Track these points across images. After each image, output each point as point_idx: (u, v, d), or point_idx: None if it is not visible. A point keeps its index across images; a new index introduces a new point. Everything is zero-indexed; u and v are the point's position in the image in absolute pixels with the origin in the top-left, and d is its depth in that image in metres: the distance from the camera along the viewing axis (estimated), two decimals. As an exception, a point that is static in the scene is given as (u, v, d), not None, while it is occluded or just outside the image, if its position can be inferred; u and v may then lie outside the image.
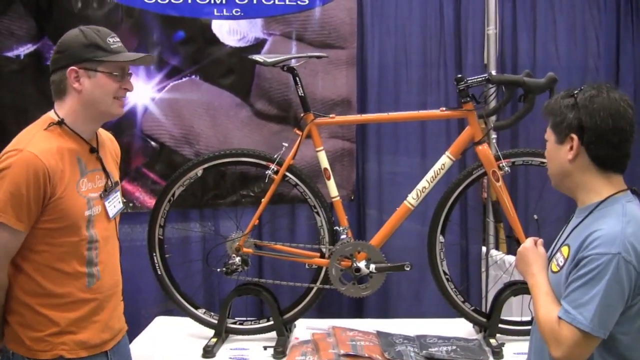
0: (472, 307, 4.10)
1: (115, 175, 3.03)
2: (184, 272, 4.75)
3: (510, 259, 4.76)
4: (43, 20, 4.93)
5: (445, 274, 4.05)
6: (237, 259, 4.03)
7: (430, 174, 3.94)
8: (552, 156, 2.50)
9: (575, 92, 2.42)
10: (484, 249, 5.38)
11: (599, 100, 2.35)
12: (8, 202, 2.58)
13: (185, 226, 5.28)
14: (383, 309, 5.43)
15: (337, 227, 4.05)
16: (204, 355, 3.88)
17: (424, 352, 3.75)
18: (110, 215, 2.90)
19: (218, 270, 4.08)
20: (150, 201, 5.07)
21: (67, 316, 2.75)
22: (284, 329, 4.08)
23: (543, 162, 3.81)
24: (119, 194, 3.00)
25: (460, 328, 4.20)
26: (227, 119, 5.23)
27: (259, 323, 4.19)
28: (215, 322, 4.13)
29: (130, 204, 5.05)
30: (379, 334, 4.01)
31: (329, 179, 4.03)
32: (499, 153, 3.89)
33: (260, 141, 5.20)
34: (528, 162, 3.95)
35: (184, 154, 5.18)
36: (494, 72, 4.89)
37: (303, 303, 4.14)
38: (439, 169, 3.93)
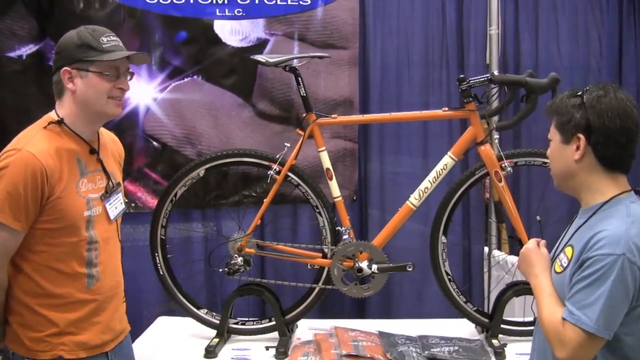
0: (475, 308, 4.09)
1: (117, 176, 3.02)
2: (186, 272, 4.75)
3: (513, 259, 4.76)
4: (45, 20, 4.94)
5: (447, 274, 4.05)
6: (239, 259, 4.02)
7: (432, 174, 3.94)
8: (557, 156, 2.49)
9: (581, 92, 2.41)
10: (486, 249, 5.38)
11: (606, 101, 2.35)
12: (5, 201, 2.59)
13: (187, 226, 5.29)
14: (385, 309, 5.43)
15: (339, 228, 4.05)
16: (206, 356, 3.88)
17: (426, 352, 3.75)
18: (111, 217, 2.89)
19: (220, 270, 4.08)
20: (152, 201, 5.07)
21: (67, 317, 2.75)
22: (286, 329, 4.07)
23: (545, 163, 3.80)
24: (120, 195, 2.98)
25: (463, 328, 4.19)
26: (229, 119, 5.23)
27: (261, 323, 4.19)
28: (217, 322, 4.12)
29: (133, 204, 5.05)
30: (381, 334, 4.01)
31: (331, 179, 4.02)
32: (502, 153, 3.88)
33: (263, 141, 5.20)
34: (530, 162, 3.94)
35: (186, 154, 5.19)
36: (496, 72, 4.87)
37: (305, 303, 4.13)
38: (441, 169, 3.92)
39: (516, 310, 4.34)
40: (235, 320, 4.19)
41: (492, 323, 4.02)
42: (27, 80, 4.93)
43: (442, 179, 3.94)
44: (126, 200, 3.10)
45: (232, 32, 5.19)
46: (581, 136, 2.37)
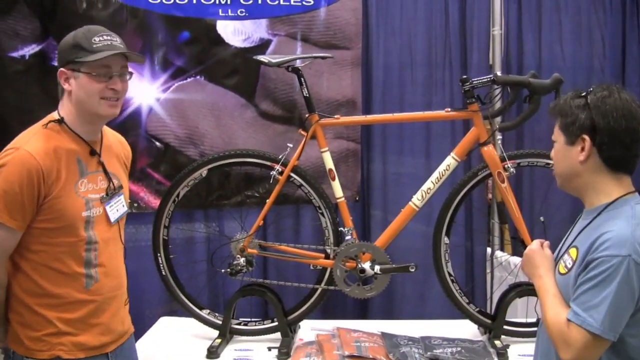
0: (477, 309, 4.08)
1: (121, 178, 3.01)
2: (188, 272, 4.75)
3: (515, 260, 4.76)
4: (48, 20, 4.93)
5: (450, 275, 4.04)
6: (242, 260, 4.02)
7: (435, 175, 3.93)
8: (561, 157, 2.48)
9: (585, 93, 2.41)
10: (488, 250, 5.38)
11: (611, 101, 2.34)
12: (1, 199, 2.61)
13: (189, 227, 5.28)
14: (388, 310, 5.43)
15: (342, 228, 4.04)
16: (208, 356, 3.87)
17: (429, 353, 3.74)
18: (112, 219, 2.88)
19: (222, 270, 4.08)
20: (154, 201, 5.07)
21: (65, 317, 2.75)
22: (289, 330, 4.07)
23: (548, 164, 3.80)
24: (122, 198, 2.97)
25: (465, 329, 4.19)
26: (232, 119, 5.22)
27: (264, 324, 4.18)
28: (220, 322, 4.12)
29: (135, 205, 5.05)
30: (384, 335, 4.00)
31: (333, 179, 4.02)
32: (504, 154, 3.88)
33: (265, 142, 5.20)
34: (533, 163, 3.93)
35: (188, 154, 5.18)
36: (499, 73, 4.88)
37: (307, 304, 4.13)
38: (444, 170, 3.92)
39: (519, 311, 4.34)
40: (237, 321, 4.19)
41: (494, 324, 4.01)
42: (29, 80, 4.93)
43: (445, 180, 3.94)
44: (129, 201, 3.10)
45: (234, 32, 5.19)
46: (586, 137, 2.36)
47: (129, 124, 4.96)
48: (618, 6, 5.52)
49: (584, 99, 2.39)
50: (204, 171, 4.07)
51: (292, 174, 4.00)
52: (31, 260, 2.72)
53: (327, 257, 4.04)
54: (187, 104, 5.17)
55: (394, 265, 3.98)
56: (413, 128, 5.41)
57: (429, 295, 5.33)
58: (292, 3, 5.20)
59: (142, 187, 5.14)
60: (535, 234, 3.70)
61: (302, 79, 3.97)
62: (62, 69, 2.76)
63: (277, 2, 5.18)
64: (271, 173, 4.00)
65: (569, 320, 2.27)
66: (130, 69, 2.89)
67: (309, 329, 4.21)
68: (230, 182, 5.25)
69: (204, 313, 4.19)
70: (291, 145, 3.97)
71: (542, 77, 3.74)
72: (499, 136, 4.86)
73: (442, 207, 4.01)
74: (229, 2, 5.12)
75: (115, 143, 3.06)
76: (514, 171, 3.87)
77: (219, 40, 5.18)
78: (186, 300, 4.19)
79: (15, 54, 4.92)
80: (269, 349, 3.97)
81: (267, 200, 4.06)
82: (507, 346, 3.88)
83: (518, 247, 4.13)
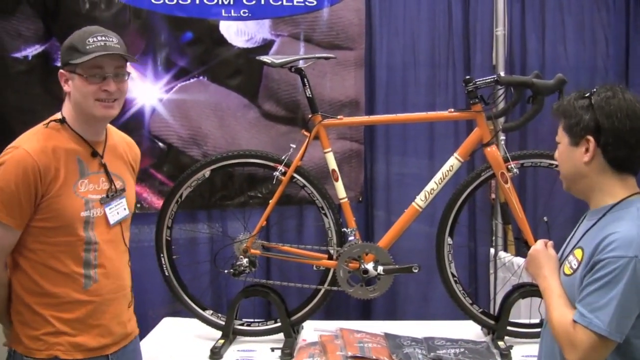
0: (481, 309, 4.08)
1: (126, 180, 2.99)
2: (191, 273, 4.75)
3: (519, 260, 4.75)
4: (51, 21, 4.93)
5: (453, 275, 4.04)
6: (245, 260, 4.02)
7: (438, 175, 3.93)
8: (566, 158, 2.48)
9: (589, 93, 2.40)
10: (492, 250, 5.37)
11: (615, 102, 2.33)
12: None
13: (192, 227, 5.28)
14: (391, 310, 5.43)
15: (345, 229, 4.04)
16: (211, 357, 3.88)
17: (432, 354, 3.74)
18: (111, 222, 2.86)
19: (225, 271, 4.07)
20: (157, 202, 5.07)
21: (63, 316, 2.75)
22: (292, 331, 4.07)
23: (552, 164, 3.80)
24: (123, 201, 2.94)
25: (469, 330, 4.18)
26: (235, 120, 5.23)
27: (267, 324, 4.18)
28: (223, 323, 4.12)
29: (138, 205, 5.04)
30: (387, 336, 4.00)
31: (336, 180, 4.01)
32: (508, 155, 3.87)
33: (268, 142, 5.20)
34: (537, 163, 3.93)
35: (191, 155, 5.19)
36: (502, 73, 4.88)
37: (311, 305, 4.12)
38: (448, 171, 3.91)
39: (522, 312, 4.33)
40: (240, 322, 4.18)
41: (498, 325, 4.01)
42: (32, 80, 4.93)
43: (448, 180, 3.93)
44: (135, 203, 3.10)
45: (237, 32, 5.19)
46: (590, 138, 2.35)
47: (131, 125, 4.96)
48: (621, 6, 5.51)
49: (587, 100, 2.38)
50: (207, 172, 4.06)
51: (295, 175, 4.00)
52: (30, 259, 2.73)
53: (330, 257, 4.04)
54: (190, 104, 5.17)
55: (397, 266, 3.97)
56: (416, 129, 5.40)
57: (432, 296, 5.33)
58: (295, 3, 5.19)
59: (145, 187, 5.15)
60: (538, 234, 3.70)
61: (305, 80, 3.97)
62: (61, 70, 2.77)
63: (280, 2, 5.17)
64: (274, 174, 3.99)
65: (575, 321, 2.26)
66: (130, 69, 2.87)
67: (312, 330, 4.21)
68: (233, 182, 5.25)
69: (207, 314, 4.19)
70: (294, 146, 3.97)
71: (545, 78, 3.73)
72: (502, 137, 4.84)
73: (445, 208, 4.01)
74: (232, 3, 5.12)
75: (121, 144, 3.05)
76: (518, 172, 3.86)
77: (222, 41, 5.18)
78: (189, 301, 4.19)
79: (18, 55, 4.92)
80: (272, 349, 3.97)
81: (270, 201, 4.06)
82: (511, 347, 3.87)
83: (521, 248, 4.12)
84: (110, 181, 2.88)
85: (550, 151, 3.44)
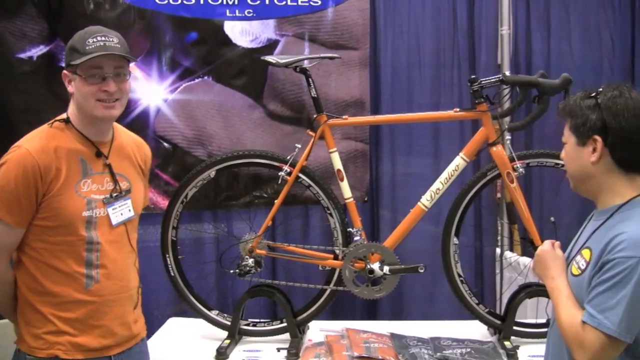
0: (487, 309, 4.07)
1: (133, 181, 2.99)
2: (197, 273, 4.76)
3: (525, 260, 4.74)
4: (55, 21, 4.94)
5: (459, 275, 4.03)
6: (250, 261, 4.01)
7: (444, 175, 3.92)
8: (573, 158, 2.47)
9: (595, 93, 2.39)
10: (498, 250, 5.36)
11: (622, 101, 2.32)
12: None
13: (198, 227, 5.29)
14: (397, 310, 5.42)
15: (351, 229, 4.03)
16: (217, 357, 3.86)
17: (438, 354, 3.73)
18: (113, 222, 2.85)
19: (231, 271, 4.07)
20: (163, 202, 5.07)
21: (63, 316, 2.76)
22: (297, 331, 4.06)
23: (557, 164, 3.79)
24: (129, 202, 2.93)
25: (475, 330, 4.17)
26: (240, 120, 5.22)
27: (272, 325, 4.18)
28: (229, 323, 4.11)
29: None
30: (393, 336, 3.99)
31: (342, 180, 4.01)
32: (513, 154, 3.86)
33: (273, 142, 5.21)
34: (542, 163, 3.92)
35: (196, 155, 5.19)
36: (507, 73, 4.88)
37: (316, 305, 4.12)
38: (453, 170, 3.91)
39: (528, 312, 4.33)
40: (246, 322, 4.18)
41: (504, 325, 4.00)
42: (37, 81, 4.94)
43: (454, 180, 3.92)
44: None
45: (242, 32, 5.19)
46: (597, 138, 2.34)
47: (136, 125, 4.95)
48: (627, 5, 5.51)
49: (594, 100, 2.37)
50: (212, 172, 4.06)
51: (301, 175, 3.99)
52: (33, 258, 2.74)
53: (335, 257, 4.04)
54: (194, 104, 5.18)
55: (403, 266, 3.97)
56: (421, 128, 5.40)
57: (438, 295, 5.33)
58: (299, 3, 5.20)
59: (150, 187, 5.13)
60: (544, 234, 3.69)
61: (310, 80, 3.96)
62: (64, 71, 2.79)
63: (284, 2, 5.18)
64: (279, 174, 3.98)
65: (584, 322, 2.25)
66: (135, 69, 2.88)
67: (318, 330, 4.20)
68: (238, 182, 5.26)
69: (213, 314, 4.19)
70: (299, 146, 3.96)
71: (550, 77, 3.72)
72: (508, 136, 4.84)
73: (451, 208, 3.99)
74: (236, 3, 5.12)
75: (130, 145, 3.04)
76: (523, 171, 3.85)
77: (226, 41, 5.19)
78: (195, 301, 4.19)
79: (22, 55, 4.93)
80: (278, 349, 3.96)
81: (276, 201, 4.05)
82: (517, 347, 3.86)
83: (527, 248, 4.11)
84: (115, 182, 2.88)
85: (556, 151, 3.43)
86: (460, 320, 4.38)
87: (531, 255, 2.69)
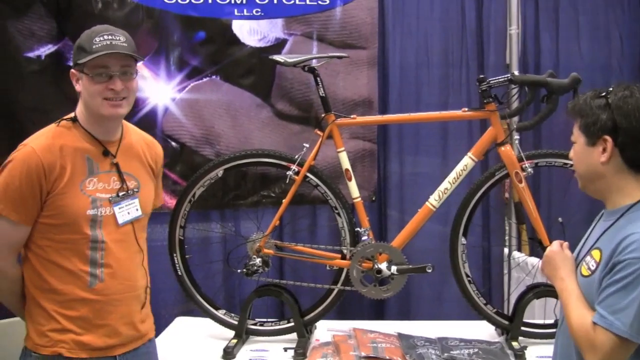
0: (494, 310, 4.06)
1: (142, 180, 2.98)
2: (204, 272, 4.75)
3: (533, 260, 4.73)
4: (63, 20, 4.94)
5: (467, 275, 4.02)
6: (258, 260, 4.01)
7: (452, 175, 3.91)
8: (582, 158, 2.45)
9: (605, 92, 2.38)
10: (506, 250, 5.35)
11: (632, 101, 2.31)
12: (4, 193, 2.67)
13: (205, 227, 5.28)
14: (404, 310, 5.41)
15: (358, 229, 4.03)
16: (224, 357, 3.87)
17: (446, 354, 3.72)
18: (119, 221, 2.85)
19: (238, 271, 4.07)
20: (170, 202, 5.07)
21: (67, 314, 2.76)
22: (305, 331, 4.06)
23: (566, 163, 3.78)
24: (136, 201, 2.92)
25: (482, 330, 4.17)
26: (248, 119, 5.22)
27: (280, 324, 4.18)
28: (236, 323, 4.12)
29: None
30: (400, 336, 3.99)
31: (350, 179, 4.01)
32: (522, 154, 3.86)
33: (281, 142, 5.20)
34: (551, 163, 3.91)
35: (204, 154, 5.19)
36: (516, 72, 4.87)
37: (324, 304, 4.12)
38: (461, 170, 3.90)
39: (536, 312, 4.32)
40: (253, 321, 4.18)
41: (512, 325, 3.99)
42: (45, 80, 4.94)
43: (462, 180, 3.92)
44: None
45: (250, 32, 5.19)
46: (608, 138, 2.33)
47: (144, 124, 4.89)
48: (636, 5, 5.49)
49: (604, 99, 2.35)
50: (220, 171, 4.06)
51: (309, 174, 3.99)
52: (39, 255, 2.76)
53: (343, 257, 4.03)
54: (202, 104, 5.17)
55: (410, 266, 3.96)
56: (430, 128, 5.39)
57: (445, 296, 5.31)
58: (307, 2, 5.19)
59: (158, 187, 5.15)
60: (553, 234, 3.68)
61: (318, 79, 3.96)
62: (72, 70, 2.80)
63: (292, 1, 5.17)
64: (287, 173, 3.99)
65: (595, 323, 2.24)
66: (143, 69, 2.88)
67: (325, 330, 4.20)
68: (246, 182, 5.25)
69: (220, 313, 4.19)
70: (307, 145, 3.96)
71: (559, 77, 3.72)
72: (516, 136, 4.84)
73: (459, 208, 3.99)
74: (244, 2, 5.12)
75: (139, 144, 3.04)
76: (532, 171, 3.85)
77: (234, 40, 5.18)
78: (202, 301, 4.19)
79: (31, 54, 4.93)
80: (285, 349, 3.96)
81: (284, 201, 4.05)
82: (525, 348, 3.85)
83: (535, 248, 4.10)
84: (122, 180, 2.88)
85: (564, 150, 3.42)
86: (467, 320, 4.37)
87: (539, 256, 2.68)
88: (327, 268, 4.09)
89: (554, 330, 2.81)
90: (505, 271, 5.28)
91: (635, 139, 2.30)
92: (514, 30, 5.28)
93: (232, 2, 5.11)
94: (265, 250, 4.03)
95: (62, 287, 2.75)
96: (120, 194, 2.85)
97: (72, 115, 2.82)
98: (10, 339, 3.19)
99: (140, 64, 2.93)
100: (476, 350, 3.80)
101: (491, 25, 5.40)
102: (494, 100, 3.81)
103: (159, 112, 5.11)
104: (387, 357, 3.62)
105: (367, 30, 5.29)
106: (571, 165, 2.61)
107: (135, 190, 2.92)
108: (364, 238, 4.00)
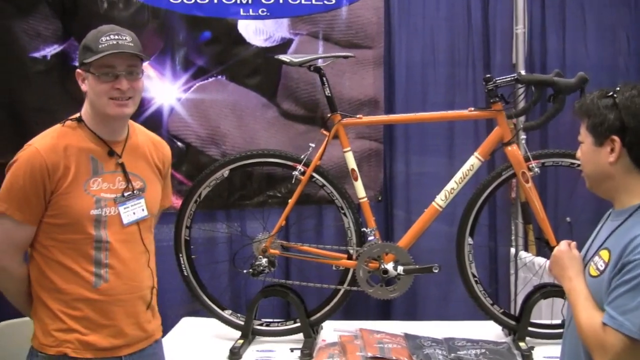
0: (501, 310, 4.05)
1: (148, 181, 2.97)
2: (210, 273, 4.76)
3: (540, 260, 4.72)
4: (69, 20, 4.95)
5: (474, 276, 4.01)
6: (264, 260, 4.01)
7: (458, 174, 3.91)
8: (590, 158, 2.44)
9: (612, 92, 2.36)
10: (513, 250, 5.34)
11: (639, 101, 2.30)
12: (9, 192, 2.69)
13: (211, 227, 5.29)
14: (411, 311, 5.41)
15: (365, 229, 4.02)
16: (230, 357, 3.86)
17: (453, 355, 3.72)
18: (124, 221, 2.83)
19: (244, 271, 4.07)
20: (176, 202, 5.05)
21: (72, 314, 2.76)
22: (311, 331, 4.05)
23: (573, 163, 3.77)
24: (142, 201, 2.90)
25: (489, 331, 4.15)
26: (254, 119, 5.22)
27: (286, 325, 4.17)
28: (242, 323, 4.11)
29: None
30: (407, 336, 3.98)
31: (356, 179, 4.00)
32: (529, 154, 3.84)
33: (287, 142, 5.20)
34: (558, 163, 3.90)
35: (210, 154, 5.19)
36: (523, 72, 4.84)
37: (330, 305, 4.11)
38: (468, 170, 3.89)
39: (544, 312, 4.30)
40: (259, 322, 4.18)
41: (519, 325, 3.98)
42: (51, 80, 4.95)
43: (469, 180, 3.91)
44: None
45: (256, 31, 5.19)
46: (616, 138, 2.31)
47: (150, 124, 4.88)
48: (643, 4, 5.48)
49: (612, 99, 2.34)
50: (225, 171, 4.06)
51: (315, 174, 3.99)
52: (44, 255, 2.76)
53: (349, 257, 4.03)
54: (208, 104, 5.18)
55: (417, 266, 3.95)
56: (436, 128, 5.39)
57: (452, 296, 5.31)
58: (313, 2, 5.19)
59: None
60: (559, 234, 3.67)
61: (324, 79, 3.95)
62: (77, 70, 2.80)
63: (298, 1, 5.17)
64: (293, 173, 3.98)
65: (604, 324, 2.22)
66: (149, 69, 2.88)
67: (331, 330, 4.19)
68: (252, 182, 5.25)
69: (226, 314, 4.19)
70: (313, 145, 3.96)
71: (565, 76, 3.70)
72: (523, 136, 4.82)
73: (465, 208, 3.98)
74: (250, 2, 5.12)
75: (146, 144, 3.02)
76: (539, 171, 3.84)
77: (240, 40, 5.18)
78: (208, 301, 4.19)
79: (36, 54, 4.93)
80: (292, 349, 3.95)
81: (290, 201, 4.05)
82: (532, 348, 3.84)
83: (542, 248, 4.10)
84: (128, 181, 2.87)
85: (571, 150, 3.41)
86: (474, 320, 4.36)
87: (546, 256, 2.67)
88: (334, 268, 4.08)
89: (561, 330, 2.80)
90: (512, 271, 5.26)
91: None
92: (520, 29, 5.27)
93: (238, 2, 5.11)
94: (272, 251, 4.03)
95: (67, 287, 2.75)
96: (126, 194, 2.84)
97: (77, 115, 2.82)
98: (19, 339, 3.19)
99: (145, 64, 2.92)
100: (483, 350, 3.79)
101: (497, 24, 5.40)
102: (500, 100, 3.80)
103: (164, 112, 5.12)
104: (394, 358, 3.61)
105: (373, 29, 5.29)
106: (578, 165, 2.61)
107: (141, 190, 2.91)
108: (370, 238, 3.99)
